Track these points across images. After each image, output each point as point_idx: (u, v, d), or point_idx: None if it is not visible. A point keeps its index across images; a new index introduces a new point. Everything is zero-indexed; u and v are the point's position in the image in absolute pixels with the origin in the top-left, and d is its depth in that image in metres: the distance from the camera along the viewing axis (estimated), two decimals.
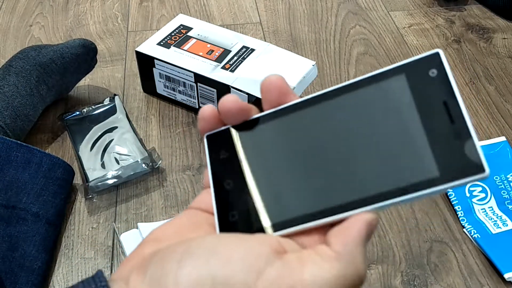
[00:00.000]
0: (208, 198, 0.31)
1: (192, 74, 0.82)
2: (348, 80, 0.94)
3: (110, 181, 0.74)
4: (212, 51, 0.84)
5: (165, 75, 0.85)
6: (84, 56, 0.87)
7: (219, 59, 0.83)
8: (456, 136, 0.23)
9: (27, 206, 0.67)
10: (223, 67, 0.81)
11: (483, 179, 0.22)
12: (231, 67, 0.81)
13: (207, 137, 0.32)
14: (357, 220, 0.26)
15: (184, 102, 0.87)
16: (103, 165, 0.77)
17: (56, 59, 0.83)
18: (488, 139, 0.82)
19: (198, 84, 0.82)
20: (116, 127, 0.82)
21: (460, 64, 0.98)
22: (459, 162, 0.23)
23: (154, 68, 0.86)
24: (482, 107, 0.89)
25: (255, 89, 0.78)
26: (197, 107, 0.86)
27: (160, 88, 0.88)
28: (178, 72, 0.83)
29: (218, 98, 0.82)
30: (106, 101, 0.86)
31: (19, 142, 0.70)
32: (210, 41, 0.86)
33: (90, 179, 0.74)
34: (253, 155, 0.30)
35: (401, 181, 0.24)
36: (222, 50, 0.84)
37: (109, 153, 0.78)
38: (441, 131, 0.23)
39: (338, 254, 0.25)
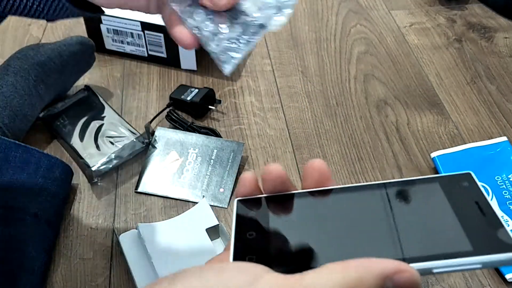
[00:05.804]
0: (226, 259, 0.29)
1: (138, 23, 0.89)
2: (349, 79, 0.94)
3: (112, 163, 0.76)
4: None
5: (113, 29, 0.91)
6: (82, 53, 0.86)
7: None
8: (489, 226, 0.27)
9: (25, 206, 0.67)
10: None
11: None
12: None
13: (238, 201, 0.32)
14: (375, 261, 0.25)
15: (134, 52, 0.94)
16: (99, 150, 0.78)
17: (54, 57, 0.82)
18: (489, 139, 0.81)
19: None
20: (100, 113, 0.84)
21: (462, 64, 0.98)
22: (494, 242, 0.26)
23: (101, 25, 0.92)
24: (483, 107, 0.89)
25: None
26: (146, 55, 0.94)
27: (108, 43, 0.95)
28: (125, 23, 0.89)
29: (166, 42, 0.89)
30: (79, 93, 0.86)
31: (17, 142, 0.70)
32: None
33: (91, 165, 0.75)
34: (281, 225, 0.30)
35: (439, 250, 0.26)
36: None
37: (102, 137, 0.80)
38: (476, 222, 0.27)
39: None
